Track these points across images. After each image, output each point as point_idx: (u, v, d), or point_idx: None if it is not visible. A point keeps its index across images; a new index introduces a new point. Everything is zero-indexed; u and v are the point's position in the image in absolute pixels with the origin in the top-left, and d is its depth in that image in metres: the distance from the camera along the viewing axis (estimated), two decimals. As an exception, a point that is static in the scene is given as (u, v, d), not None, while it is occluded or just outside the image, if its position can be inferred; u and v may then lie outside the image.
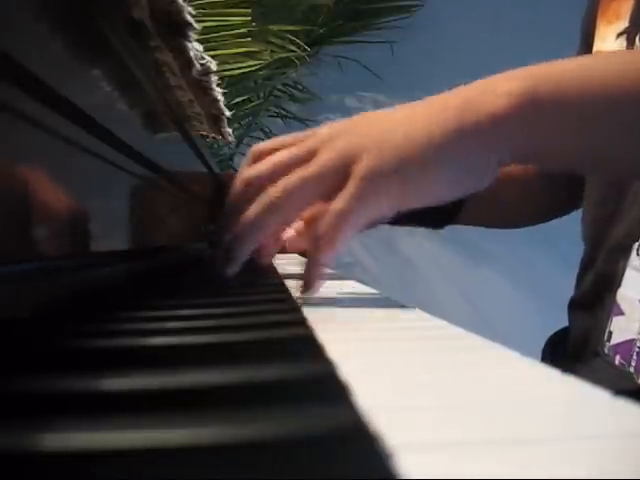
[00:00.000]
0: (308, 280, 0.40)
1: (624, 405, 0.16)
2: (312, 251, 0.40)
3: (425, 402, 0.18)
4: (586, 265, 0.64)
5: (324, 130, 0.43)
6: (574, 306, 0.66)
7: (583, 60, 0.46)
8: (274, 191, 0.41)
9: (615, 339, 0.55)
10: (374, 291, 0.50)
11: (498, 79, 0.41)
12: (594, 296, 0.61)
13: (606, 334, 0.56)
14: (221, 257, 0.43)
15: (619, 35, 0.61)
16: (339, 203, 0.39)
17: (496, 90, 0.39)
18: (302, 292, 0.40)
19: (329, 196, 0.40)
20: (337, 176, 0.40)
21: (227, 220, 0.44)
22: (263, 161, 0.43)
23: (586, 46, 0.67)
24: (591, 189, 0.64)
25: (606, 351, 0.56)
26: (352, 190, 0.39)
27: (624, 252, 0.56)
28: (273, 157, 0.43)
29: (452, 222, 0.67)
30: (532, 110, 0.39)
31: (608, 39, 0.62)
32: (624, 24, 0.61)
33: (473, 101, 0.40)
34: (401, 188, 0.39)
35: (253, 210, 0.41)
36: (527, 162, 0.45)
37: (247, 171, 0.44)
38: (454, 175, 0.40)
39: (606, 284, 0.58)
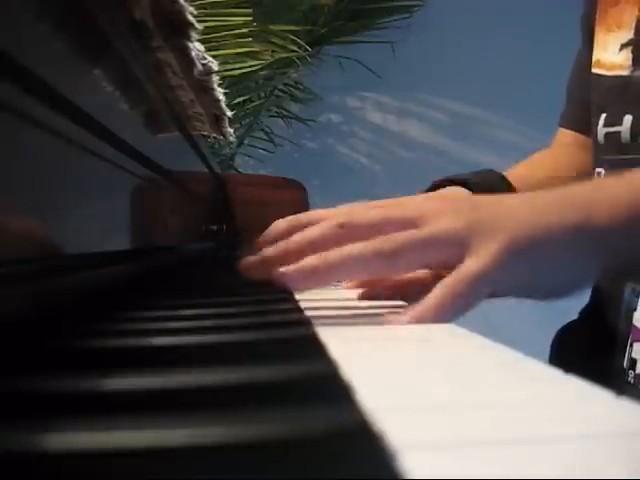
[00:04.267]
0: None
1: (625, 405, 0.16)
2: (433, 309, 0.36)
3: (428, 402, 0.18)
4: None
5: (424, 203, 0.41)
6: (582, 318, 0.65)
7: None
8: (394, 238, 0.38)
9: None
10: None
11: (613, 185, 0.41)
12: (598, 310, 0.60)
13: (626, 361, 0.54)
14: (298, 272, 0.38)
15: (623, 47, 0.59)
16: (477, 265, 0.36)
17: (612, 197, 0.40)
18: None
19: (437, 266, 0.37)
20: (457, 248, 0.37)
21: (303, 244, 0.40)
22: (365, 209, 0.41)
23: (590, 46, 0.66)
24: None
25: (631, 380, 0.54)
26: (490, 258, 0.36)
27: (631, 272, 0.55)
28: (376, 212, 0.40)
29: None
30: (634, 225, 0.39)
31: (609, 49, 0.61)
32: (627, 35, 0.59)
33: (591, 205, 0.39)
34: (529, 271, 0.37)
35: (367, 247, 0.37)
36: (619, 270, 0.43)
37: (344, 212, 0.41)
38: (572, 268, 0.39)
39: (610, 301, 0.57)
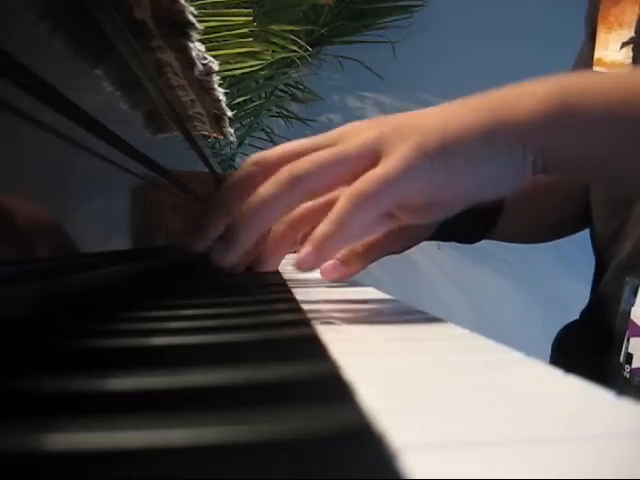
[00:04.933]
0: (318, 247, 0.34)
1: (626, 405, 0.16)
2: (337, 213, 0.35)
3: (429, 402, 0.17)
4: (596, 279, 0.63)
5: (347, 126, 0.40)
6: (582, 318, 0.65)
7: (610, 76, 0.45)
8: (300, 163, 0.37)
9: (637, 362, 0.53)
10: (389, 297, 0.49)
11: (531, 84, 0.41)
12: (598, 310, 0.60)
13: (622, 356, 0.54)
14: (219, 245, 0.37)
15: (624, 45, 0.60)
16: (384, 167, 0.35)
17: (529, 93, 0.39)
18: (299, 265, 0.35)
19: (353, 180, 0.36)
20: (370, 158, 0.36)
21: (226, 200, 0.39)
22: (280, 146, 0.40)
23: (592, 44, 0.66)
24: (597, 205, 0.64)
25: (627, 375, 0.53)
26: (399, 158, 0.35)
27: (630, 270, 0.55)
28: (291, 143, 0.40)
29: (486, 236, 0.63)
30: (561, 115, 0.39)
31: (610, 47, 0.61)
32: (628, 33, 0.59)
33: (508, 100, 0.39)
34: (445, 171, 0.36)
35: (272, 184, 0.36)
36: (557, 171, 0.42)
37: (259, 154, 0.40)
38: (493, 165, 0.38)
39: (610, 301, 0.58)
